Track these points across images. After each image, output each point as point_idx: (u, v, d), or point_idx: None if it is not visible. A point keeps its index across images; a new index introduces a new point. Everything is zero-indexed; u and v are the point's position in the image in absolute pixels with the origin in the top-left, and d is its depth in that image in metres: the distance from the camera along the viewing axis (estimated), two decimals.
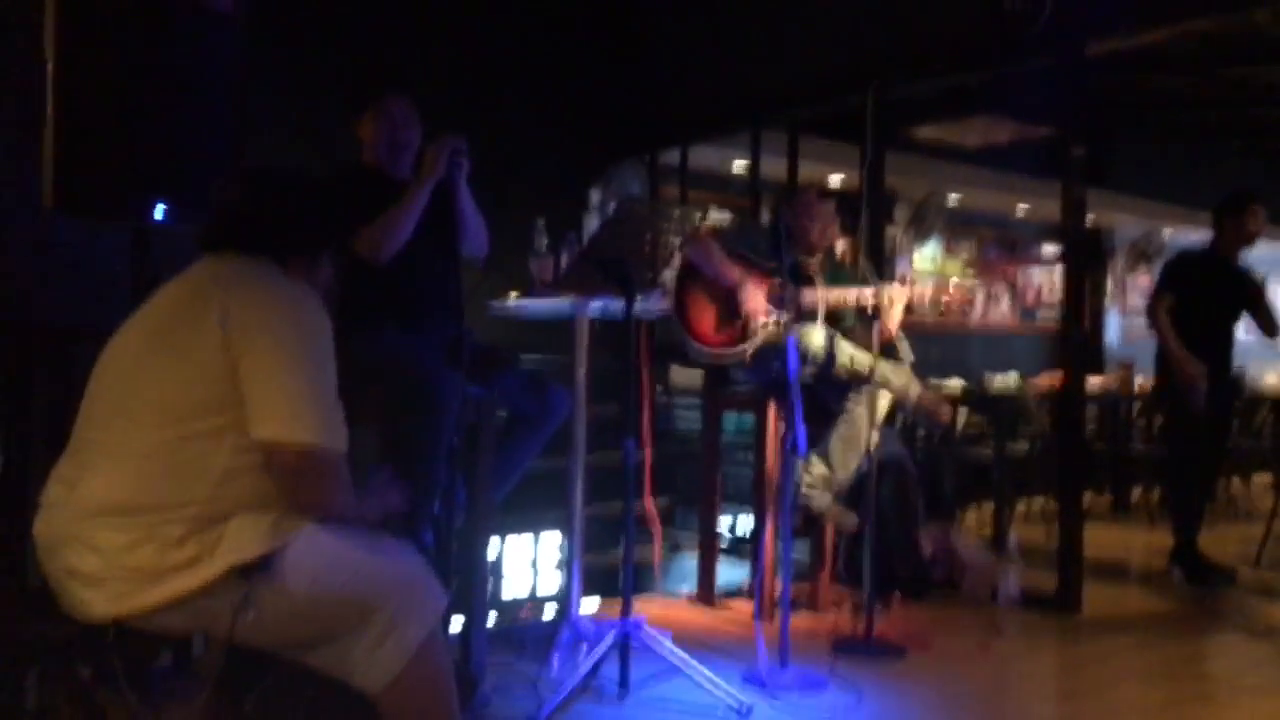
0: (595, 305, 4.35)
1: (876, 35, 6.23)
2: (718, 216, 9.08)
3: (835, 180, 8.88)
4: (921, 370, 5.34)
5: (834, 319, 5.12)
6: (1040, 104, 6.39)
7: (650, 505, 4.54)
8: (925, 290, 4.96)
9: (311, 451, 2.39)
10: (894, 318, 4.96)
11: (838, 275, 5.22)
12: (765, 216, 6.34)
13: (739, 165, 8.48)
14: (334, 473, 2.46)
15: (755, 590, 5.06)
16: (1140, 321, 13.44)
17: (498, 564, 4.49)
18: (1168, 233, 13.04)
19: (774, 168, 7.14)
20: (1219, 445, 6.52)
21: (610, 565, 4.94)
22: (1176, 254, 6.79)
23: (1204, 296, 6.25)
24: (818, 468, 4.95)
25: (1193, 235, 13.20)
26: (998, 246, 12.19)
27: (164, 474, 2.35)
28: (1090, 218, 7.87)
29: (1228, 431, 6.74)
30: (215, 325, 2.39)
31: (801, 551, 5.32)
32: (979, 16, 5.63)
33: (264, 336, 2.40)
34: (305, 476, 2.42)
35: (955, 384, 7.68)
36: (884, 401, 4.94)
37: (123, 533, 2.33)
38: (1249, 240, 6.32)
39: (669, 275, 5.34)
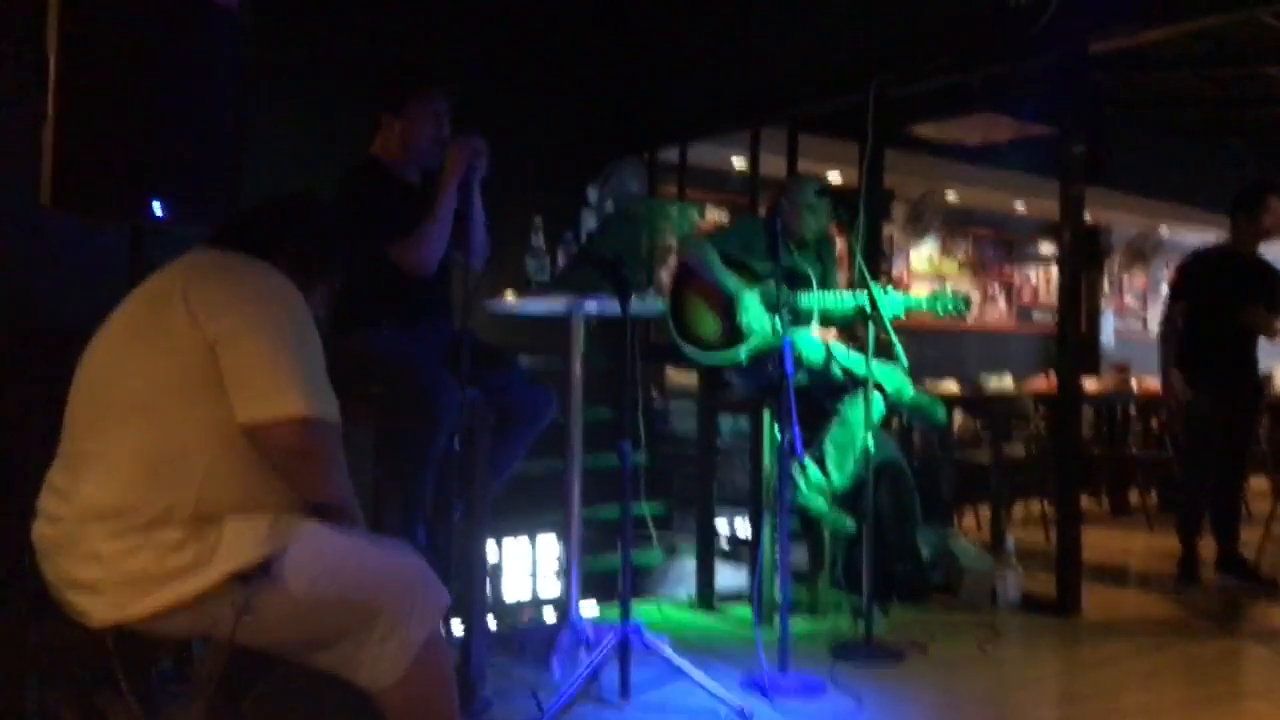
0: (591, 305, 4.34)
1: (877, 32, 6.21)
2: (716, 215, 9.08)
3: (834, 178, 8.87)
4: (916, 372, 5.34)
5: (829, 321, 5.13)
6: (1041, 101, 6.38)
7: None
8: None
9: (303, 421, 2.36)
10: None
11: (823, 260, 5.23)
12: (762, 212, 6.32)
13: (738, 163, 8.48)
14: (330, 445, 2.45)
15: (754, 594, 5.06)
16: (1135, 323, 13.52)
17: (497, 567, 4.48)
18: (1165, 231, 13.04)
19: (773, 166, 7.13)
20: (1239, 451, 6.29)
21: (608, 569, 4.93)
22: (1191, 254, 6.60)
23: (1221, 297, 6.10)
24: (814, 472, 4.96)
25: (1190, 234, 13.26)
26: (994, 245, 12.19)
27: (150, 473, 2.34)
28: (1087, 216, 7.86)
29: (1246, 437, 6.37)
30: (181, 308, 2.38)
31: (799, 555, 5.32)
32: (982, 13, 5.62)
33: (233, 314, 2.39)
34: (301, 452, 2.40)
35: (951, 386, 7.72)
36: (879, 405, 4.94)
37: (120, 539, 2.32)
38: (1265, 235, 6.17)
39: (665, 276, 5.35)
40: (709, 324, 5.12)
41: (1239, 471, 6.34)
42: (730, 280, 5.01)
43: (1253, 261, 6.22)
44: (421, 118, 4.07)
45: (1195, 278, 6.25)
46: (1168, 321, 6.25)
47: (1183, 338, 6.18)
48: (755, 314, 4.95)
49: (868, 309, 4.68)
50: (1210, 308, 6.11)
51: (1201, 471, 6.20)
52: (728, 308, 5.05)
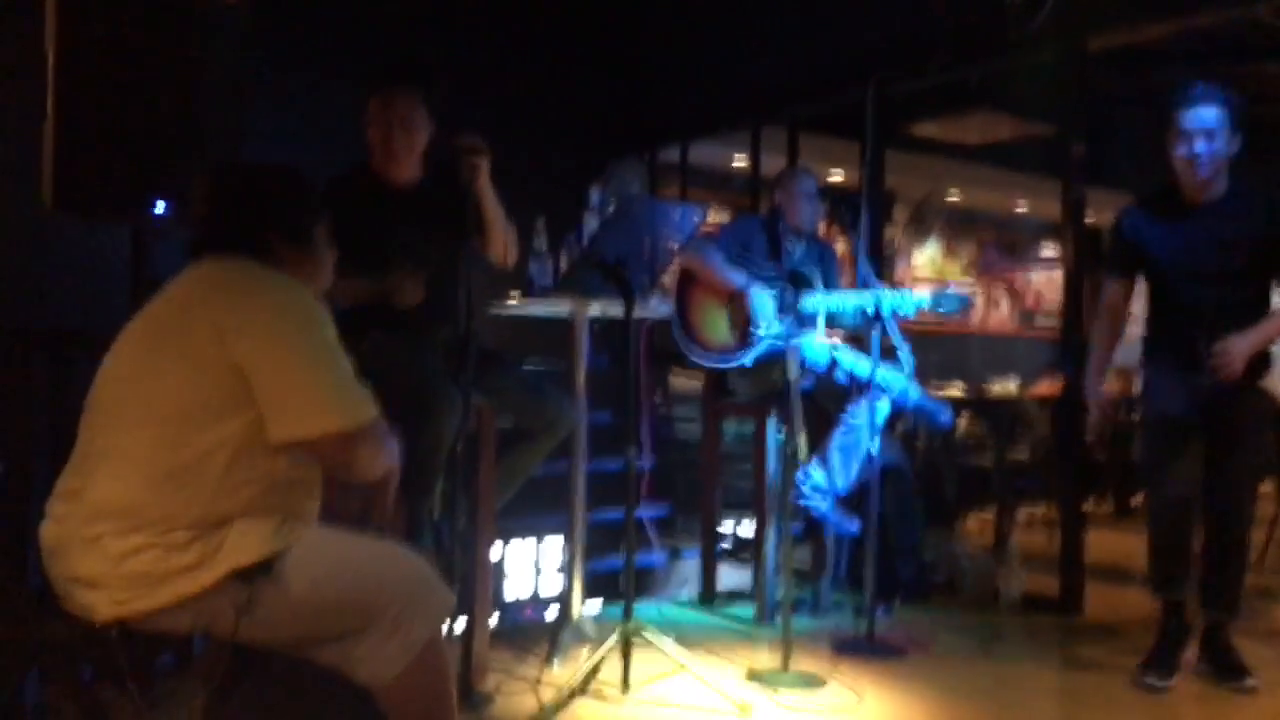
0: (594, 309, 4.35)
1: (877, 29, 6.22)
2: (718, 215, 9.08)
3: (836, 178, 8.88)
4: (921, 376, 5.34)
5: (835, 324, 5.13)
6: (1041, 99, 6.37)
7: None
8: None
9: (343, 435, 2.41)
10: None
11: (824, 267, 5.22)
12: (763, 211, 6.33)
13: (739, 162, 8.48)
14: (372, 442, 2.49)
15: (757, 593, 5.06)
16: (1136, 329, 13.48)
17: (500, 566, 4.48)
18: None
19: (774, 166, 7.13)
20: (1232, 476, 4.30)
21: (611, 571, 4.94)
22: (1124, 210, 4.57)
23: (1171, 262, 4.32)
24: (817, 474, 4.96)
25: None
26: (998, 248, 12.18)
27: (165, 482, 2.35)
28: (1090, 217, 7.81)
29: (1241, 455, 4.30)
30: (209, 331, 2.38)
31: (803, 557, 5.32)
32: (980, 10, 5.62)
33: (261, 336, 2.40)
34: (351, 457, 2.47)
35: (955, 390, 7.70)
36: (883, 408, 4.94)
37: (126, 539, 2.33)
38: (1178, 161, 4.26)
39: (669, 278, 5.35)
40: (713, 327, 5.12)
41: (1237, 510, 4.36)
42: (738, 276, 5.00)
43: (1206, 204, 4.32)
44: (377, 119, 4.06)
45: (1131, 243, 4.44)
46: (1101, 308, 4.60)
47: (1149, 323, 4.53)
48: (766, 312, 4.93)
49: (871, 310, 4.67)
50: (1164, 284, 4.40)
51: (1168, 508, 4.39)
52: (732, 309, 5.04)
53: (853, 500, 5.04)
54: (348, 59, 5.86)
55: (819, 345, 5.05)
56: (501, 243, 4.06)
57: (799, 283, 5.05)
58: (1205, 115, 4.27)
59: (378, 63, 4.24)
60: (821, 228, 5.61)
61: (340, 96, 5.60)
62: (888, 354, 4.80)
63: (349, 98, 4.11)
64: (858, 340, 5.27)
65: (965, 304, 4.93)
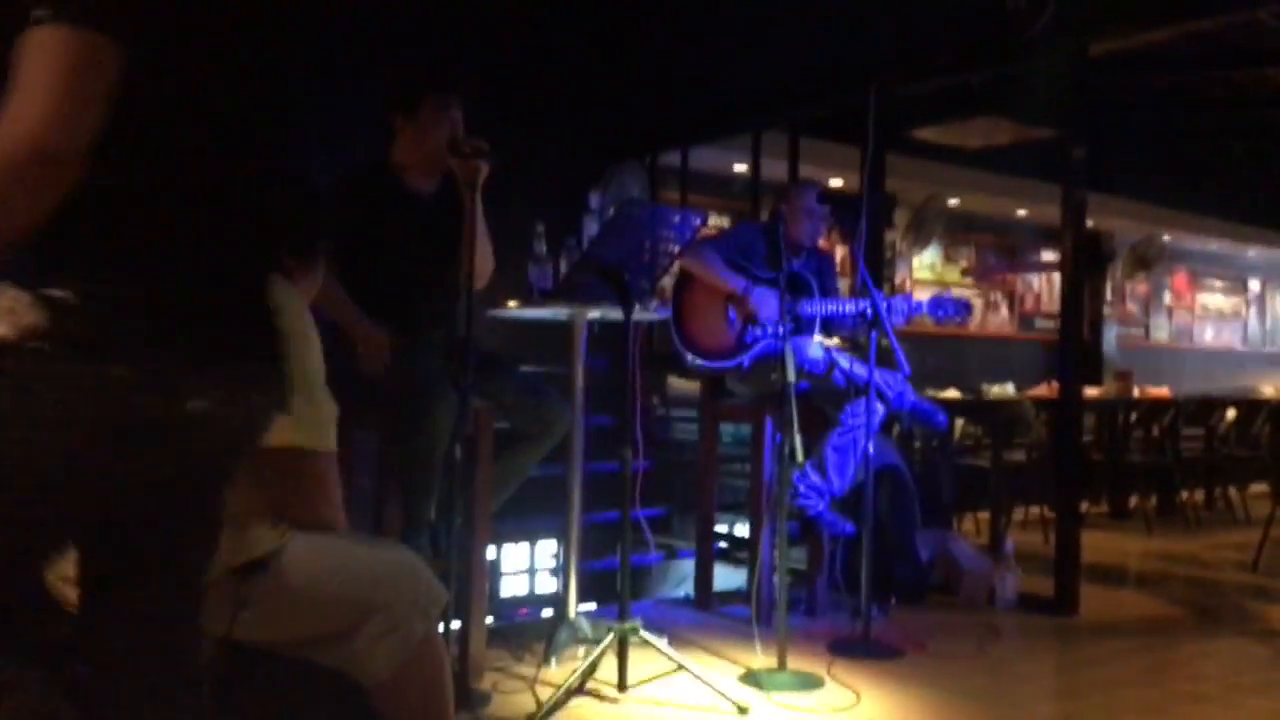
0: (594, 313, 4.35)
1: (878, 34, 6.23)
2: (718, 220, 9.10)
3: (836, 183, 8.88)
4: (919, 380, 5.35)
5: (830, 329, 5.14)
6: (1042, 104, 6.38)
7: None
8: None
9: (296, 453, 2.38)
10: None
11: (821, 278, 5.23)
12: (764, 217, 6.34)
13: (740, 168, 8.50)
14: (323, 474, 2.46)
15: (752, 593, 5.08)
16: (1138, 330, 13.49)
17: (495, 565, 4.50)
18: (1167, 238, 13.01)
19: (775, 170, 7.16)
20: None
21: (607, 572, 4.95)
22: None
23: None
24: (813, 476, 4.97)
25: (1193, 240, 13.24)
26: (997, 252, 12.18)
27: None
28: (1089, 222, 7.84)
29: None
30: None
31: (799, 558, 5.33)
32: (981, 15, 5.63)
33: None
34: (293, 478, 2.42)
35: (952, 394, 7.72)
36: (880, 410, 4.95)
37: None
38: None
39: (668, 282, 5.37)
40: (711, 331, 5.13)
41: None
42: (737, 279, 5.02)
43: None
44: (435, 121, 3.98)
45: None
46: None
47: None
48: (770, 309, 4.94)
49: (869, 315, 4.68)
50: None
51: None
52: (729, 313, 5.06)
53: (849, 501, 5.05)
54: (347, 64, 5.90)
55: (815, 347, 5.06)
56: (474, 258, 3.78)
57: (797, 288, 5.07)
58: None
59: (425, 66, 4.19)
60: (838, 253, 5.64)
61: (339, 102, 5.65)
62: (885, 357, 4.81)
63: (348, 103, 4.09)
64: (856, 345, 5.29)
65: (962, 313, 4.93)
